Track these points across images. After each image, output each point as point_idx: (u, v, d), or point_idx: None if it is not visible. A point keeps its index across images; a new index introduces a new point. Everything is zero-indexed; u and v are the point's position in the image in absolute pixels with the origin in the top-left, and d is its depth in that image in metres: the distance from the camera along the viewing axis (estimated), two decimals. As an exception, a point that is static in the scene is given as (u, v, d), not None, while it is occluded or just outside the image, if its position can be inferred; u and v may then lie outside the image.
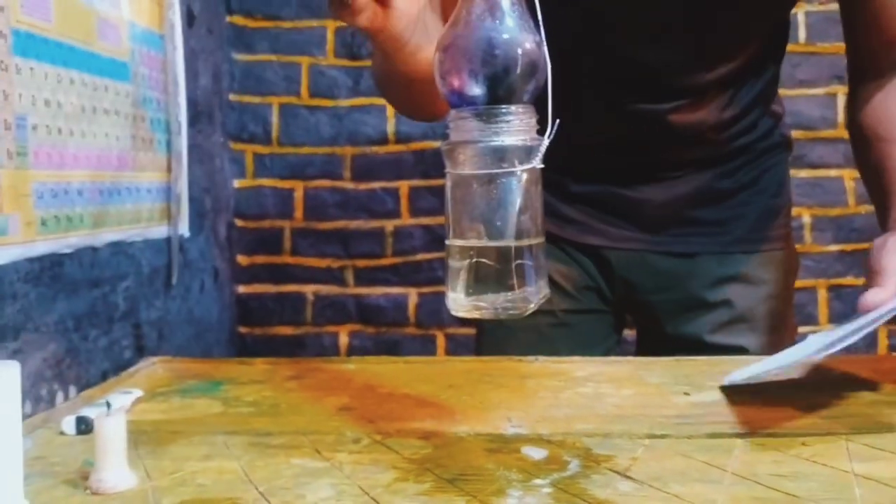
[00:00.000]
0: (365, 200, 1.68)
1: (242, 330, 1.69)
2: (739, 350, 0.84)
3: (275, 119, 1.66)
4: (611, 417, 0.57)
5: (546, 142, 0.47)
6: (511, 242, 0.46)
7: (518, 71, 0.45)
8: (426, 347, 1.71)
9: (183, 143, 1.42)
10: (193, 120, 1.47)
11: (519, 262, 0.46)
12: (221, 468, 0.47)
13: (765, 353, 0.85)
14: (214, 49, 1.59)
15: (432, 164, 1.62)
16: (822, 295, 1.60)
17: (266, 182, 1.66)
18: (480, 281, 0.46)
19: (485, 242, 0.47)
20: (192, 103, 1.45)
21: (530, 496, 0.42)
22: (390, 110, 1.67)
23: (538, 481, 0.44)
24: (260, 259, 1.67)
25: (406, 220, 1.69)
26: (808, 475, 0.45)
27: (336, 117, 1.68)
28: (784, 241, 0.89)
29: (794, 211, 1.66)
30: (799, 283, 1.59)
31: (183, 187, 1.41)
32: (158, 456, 0.50)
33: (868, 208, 1.60)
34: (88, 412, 0.55)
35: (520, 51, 0.45)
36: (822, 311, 1.60)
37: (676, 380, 0.66)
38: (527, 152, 0.46)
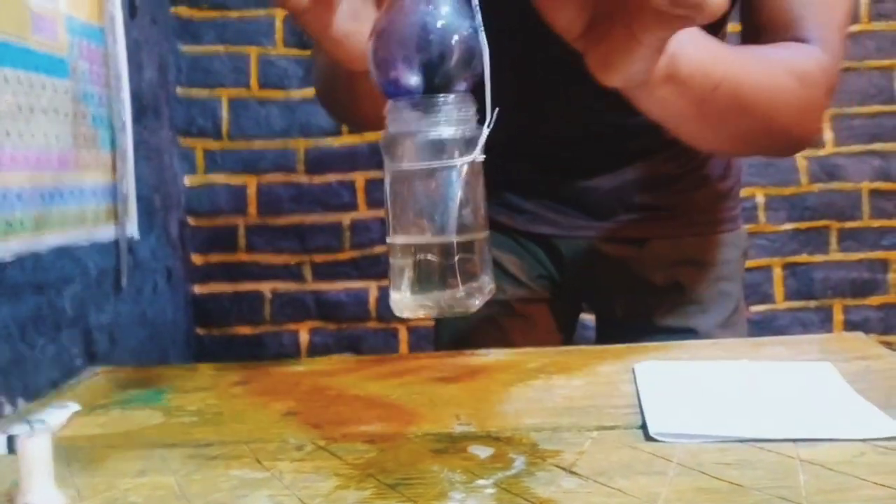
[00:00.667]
0: (320, 194, 1.65)
1: (200, 331, 1.66)
2: (690, 332, 0.85)
3: (224, 112, 1.63)
4: (560, 410, 0.57)
5: (486, 132, 0.46)
6: (454, 238, 0.45)
7: (455, 57, 0.44)
8: (388, 342, 1.70)
9: (128, 140, 1.38)
10: (139, 115, 1.43)
11: (462, 257, 0.45)
12: (156, 483, 0.45)
13: (715, 335, 0.85)
14: (159, 40, 1.55)
15: (387, 155, 1.60)
16: (778, 273, 1.62)
17: (218, 178, 1.63)
18: (423, 279, 0.45)
19: (427, 239, 0.45)
20: (136, 98, 1.42)
21: (472, 498, 0.41)
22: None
23: (481, 482, 0.44)
24: (215, 257, 1.64)
25: (363, 212, 1.67)
26: (754, 462, 0.45)
27: (288, 109, 1.65)
28: (733, 223, 0.90)
29: (748, 191, 1.67)
30: (754, 263, 1.61)
31: (130, 186, 1.38)
32: (91, 473, 0.48)
33: (821, 185, 1.62)
34: (20, 430, 0.53)
35: (456, 37, 0.43)
36: (778, 290, 1.62)
37: (627, 368, 0.66)
38: (467, 144, 0.45)
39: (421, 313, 0.45)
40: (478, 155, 0.46)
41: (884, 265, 1.62)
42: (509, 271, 0.88)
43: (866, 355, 0.67)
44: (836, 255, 1.61)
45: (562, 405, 0.58)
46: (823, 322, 1.63)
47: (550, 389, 0.62)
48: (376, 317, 1.67)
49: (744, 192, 1.55)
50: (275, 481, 0.45)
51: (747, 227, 1.58)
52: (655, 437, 0.49)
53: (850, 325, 1.63)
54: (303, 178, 1.64)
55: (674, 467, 0.45)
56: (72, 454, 0.51)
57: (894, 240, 1.62)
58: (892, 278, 1.62)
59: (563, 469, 0.45)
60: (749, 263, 1.61)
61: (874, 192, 1.61)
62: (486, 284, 0.46)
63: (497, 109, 0.45)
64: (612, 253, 0.86)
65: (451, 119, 0.44)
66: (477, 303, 0.46)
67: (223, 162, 1.63)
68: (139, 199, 1.41)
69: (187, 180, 1.63)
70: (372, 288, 1.66)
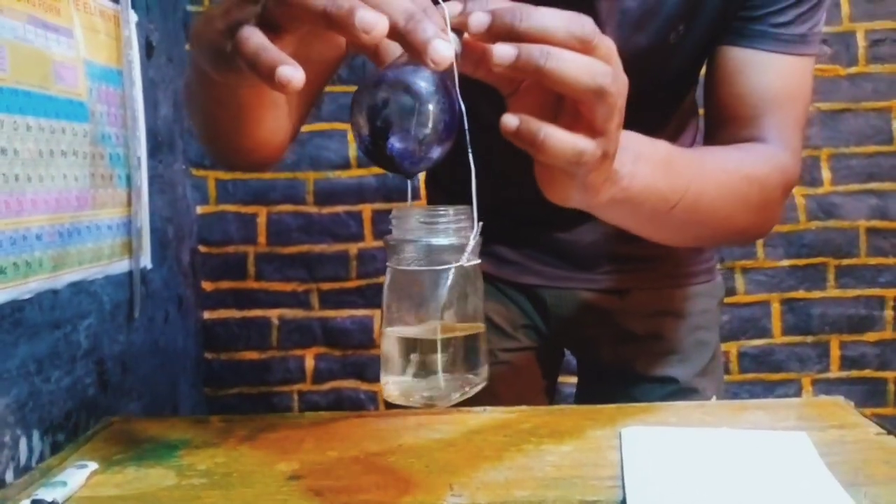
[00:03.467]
0: (328, 224, 1.70)
1: (208, 356, 1.70)
2: (670, 380, 0.89)
3: (236, 145, 1.67)
4: (548, 481, 0.60)
5: (479, 240, 0.50)
6: (444, 335, 0.49)
7: (437, 126, 0.44)
8: (392, 367, 1.74)
9: (143, 176, 1.43)
10: (154, 150, 1.48)
11: (453, 352, 0.49)
12: (169, 557, 0.49)
13: (694, 383, 0.89)
14: (174, 77, 1.60)
15: (394, 188, 1.64)
16: (776, 308, 1.65)
17: (229, 208, 1.68)
18: (414, 371, 0.49)
19: (419, 334, 0.49)
20: (152, 134, 1.46)
21: (459, 583, 0.45)
22: (351, 135, 1.69)
23: (469, 564, 0.47)
24: (224, 284, 1.69)
25: (370, 242, 1.71)
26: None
27: (298, 142, 1.69)
28: (709, 275, 0.94)
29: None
30: (752, 298, 1.65)
31: (144, 220, 1.42)
32: (110, 542, 0.52)
33: (818, 223, 1.65)
34: (43, 494, 0.57)
35: (439, 107, 0.44)
36: (776, 325, 1.65)
37: (615, 431, 0.70)
38: (461, 250, 0.49)
39: (409, 402, 0.49)
40: (474, 258, 0.50)
41: (880, 302, 1.65)
42: (494, 321, 0.91)
43: (842, 424, 0.70)
44: (833, 292, 1.64)
45: (550, 475, 0.61)
46: (821, 357, 1.66)
47: (541, 456, 0.66)
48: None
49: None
50: (278, 558, 0.49)
51: (746, 262, 1.61)
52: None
53: (846, 361, 1.66)
54: (312, 209, 1.68)
55: (647, 552, 0.48)
56: (91, 520, 0.55)
57: (891, 277, 1.65)
58: (889, 315, 1.65)
59: (545, 551, 0.49)
60: (747, 298, 1.64)
61: (871, 231, 1.64)
62: (476, 378, 0.50)
63: (481, 223, 0.49)
64: (594, 303, 0.90)
65: (449, 229, 0.48)
66: (465, 396, 0.50)
67: (235, 192, 1.67)
68: (153, 230, 1.46)
69: (199, 210, 1.68)
70: (377, 316, 1.70)
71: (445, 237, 0.48)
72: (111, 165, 1.32)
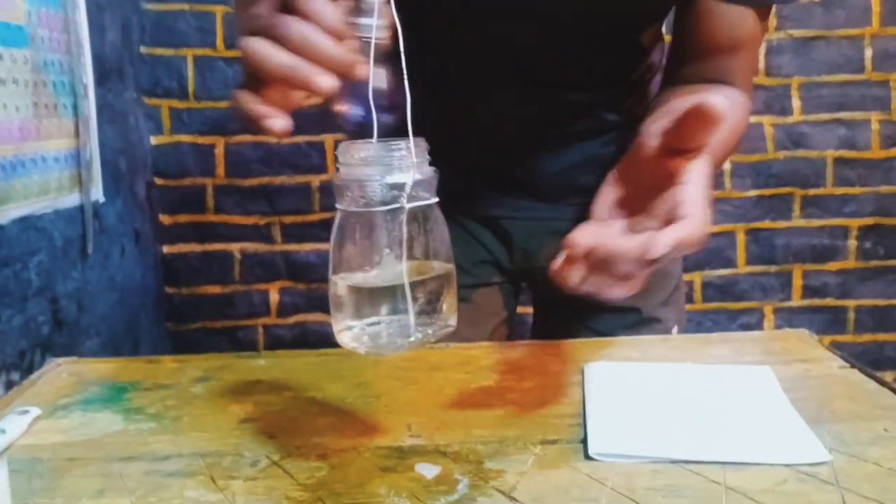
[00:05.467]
0: (289, 155, 1.64)
1: (169, 290, 1.67)
2: (632, 311, 0.89)
3: (190, 72, 1.60)
4: (508, 419, 0.59)
5: (436, 174, 0.47)
6: (408, 278, 0.46)
7: None
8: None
9: (91, 105, 1.36)
10: (102, 78, 1.40)
11: (420, 296, 0.47)
12: (113, 507, 0.47)
13: (656, 313, 0.89)
14: (122, 0, 1.51)
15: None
16: (741, 238, 1.65)
17: (185, 138, 1.62)
18: (375, 317, 0.46)
19: (380, 279, 0.47)
20: (99, 61, 1.39)
21: (414, 530, 0.44)
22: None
23: (425, 509, 0.46)
24: (183, 218, 1.64)
25: (333, 174, 1.66)
26: (681, 488, 0.47)
27: (255, 69, 1.62)
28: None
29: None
30: (718, 228, 1.64)
31: (94, 151, 1.36)
32: (52, 493, 0.49)
33: (787, 153, 1.64)
34: (-19, 441, 0.55)
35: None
36: (741, 255, 1.65)
37: (577, 367, 0.68)
38: (418, 187, 0.46)
39: (362, 349, 0.47)
40: (429, 195, 0.47)
41: (844, 232, 1.66)
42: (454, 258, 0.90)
43: (806, 357, 0.70)
44: (798, 222, 1.64)
45: (511, 413, 0.60)
46: (783, 286, 1.67)
47: (501, 394, 0.64)
48: (346, 278, 1.69)
49: (711, 160, 1.57)
50: (227, 506, 0.47)
51: (714, 193, 1.60)
52: (594, 456, 0.52)
53: (808, 290, 1.67)
54: (271, 140, 1.62)
55: (607, 493, 0.47)
56: (33, 468, 0.52)
57: (856, 207, 1.65)
58: (852, 245, 1.66)
59: (504, 494, 0.48)
60: (714, 229, 1.64)
61: (838, 161, 1.63)
62: (445, 321, 0.48)
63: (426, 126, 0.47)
64: (559, 233, 0.88)
65: (404, 164, 0.45)
66: (434, 338, 0.48)
67: (190, 122, 1.61)
68: (104, 162, 1.40)
69: (153, 140, 1.61)
70: (342, 249, 1.67)
71: (400, 173, 0.45)
72: (55, 94, 1.25)
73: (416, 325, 0.46)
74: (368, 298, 0.46)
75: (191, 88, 1.60)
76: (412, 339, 0.46)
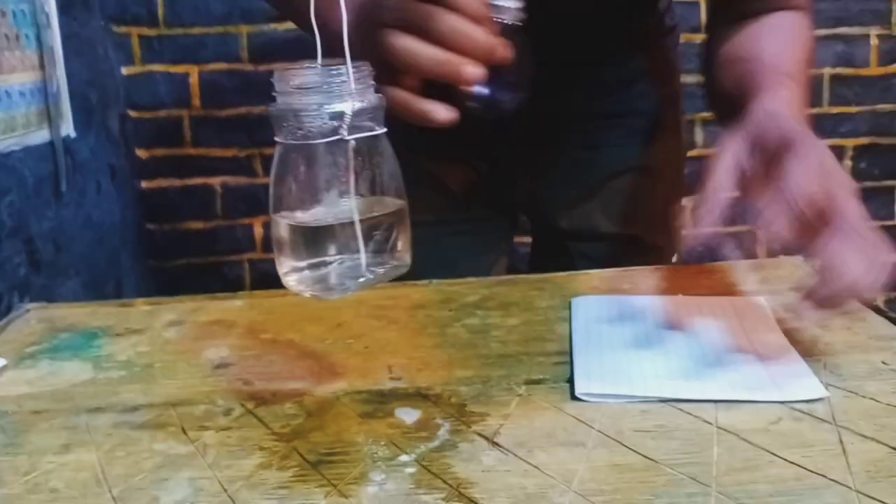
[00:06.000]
0: (266, 85, 1.56)
1: (150, 227, 1.63)
2: (633, 238, 0.87)
3: (159, -3, 1.52)
4: (492, 359, 0.57)
5: (382, 102, 0.44)
6: (346, 218, 0.43)
7: None
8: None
9: (55, 36, 1.29)
10: (66, 6, 1.33)
11: (371, 234, 0.44)
12: (79, 463, 0.45)
13: (657, 241, 0.87)
14: (81, -80, 1.43)
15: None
16: (733, 161, 1.61)
17: (157, 67, 1.55)
18: (323, 258, 0.44)
19: (327, 216, 0.44)
20: (61, -13, 1.32)
21: (392, 480, 0.42)
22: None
23: (404, 458, 0.44)
24: (160, 152, 1.59)
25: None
26: (672, 429, 0.45)
27: (227, -9, 1.54)
28: (677, 130, 0.91)
29: (699, 78, 1.63)
30: (711, 151, 1.60)
31: (61, 84, 1.30)
32: (16, 449, 0.47)
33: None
34: (-59, 396, 0.52)
35: None
36: (733, 178, 1.62)
37: (565, 302, 0.66)
38: (364, 115, 0.42)
39: (308, 292, 0.45)
40: (375, 126, 0.43)
41: (840, 152, 1.62)
42: (451, 189, 0.87)
43: (801, 286, 0.67)
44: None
45: (495, 352, 0.58)
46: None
47: (486, 331, 0.62)
48: (331, 210, 1.65)
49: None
50: (197, 459, 0.45)
51: (705, 115, 1.55)
52: (581, 397, 0.50)
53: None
54: (247, 67, 1.56)
55: (594, 436, 0.45)
56: (-4, 422, 0.50)
57: (851, 127, 1.61)
58: (847, 165, 1.63)
59: (486, 439, 0.46)
60: (705, 152, 1.60)
61: (835, 78, 1.58)
62: (397, 261, 0.45)
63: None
64: (563, 160, 0.86)
65: (343, 91, 0.41)
66: (383, 280, 0.45)
67: (162, 50, 1.54)
68: (73, 96, 1.34)
69: (125, 71, 1.55)
70: (325, 180, 1.64)
71: (340, 101, 0.41)
72: (15, 24, 1.18)
73: (366, 264, 0.43)
74: (314, 238, 0.43)
75: (161, 14, 1.53)
76: (362, 279, 0.43)
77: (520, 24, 0.50)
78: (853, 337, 0.57)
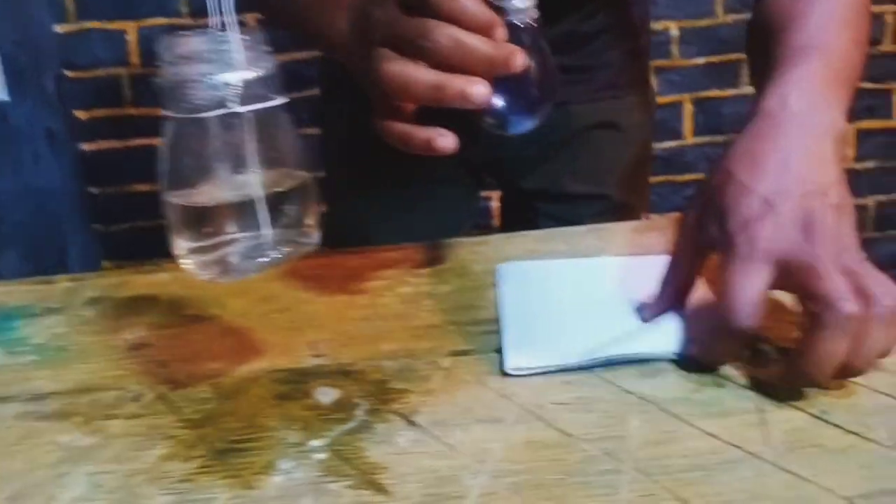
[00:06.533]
0: (208, 40, 1.52)
1: (94, 191, 1.58)
2: (602, 197, 0.85)
3: (89, -51, 1.45)
4: (420, 330, 0.55)
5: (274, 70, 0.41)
6: (245, 195, 0.41)
7: None
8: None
9: (-27, -6, 1.23)
10: (-14, -39, 1.26)
11: (276, 210, 0.42)
12: (-24, 460, 0.43)
13: (626, 199, 0.86)
14: None
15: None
16: (688, 109, 1.60)
17: (92, 25, 1.48)
18: (208, 237, 0.41)
19: (217, 198, 0.41)
20: (-20, -60, 1.25)
21: (300, 468, 0.40)
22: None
23: (315, 443, 0.42)
24: (100, 113, 1.53)
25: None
26: (592, 401, 0.44)
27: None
28: (646, 85, 0.90)
29: (662, 24, 1.60)
30: (665, 99, 1.58)
31: (-15, 46, 1.24)
32: (-89, 445, 0.45)
33: (736, 16, 1.56)
34: None
35: None
36: (688, 125, 1.61)
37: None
38: (267, 84, 0.40)
39: (205, 275, 0.42)
40: (279, 97, 0.41)
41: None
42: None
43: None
44: (746, 89, 1.59)
45: (424, 323, 0.56)
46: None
47: (417, 300, 0.60)
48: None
49: (659, 26, 1.50)
50: (100, 452, 0.43)
51: (661, 62, 1.53)
52: (510, 372, 0.48)
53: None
54: (187, 21, 1.50)
55: (514, 412, 0.44)
56: None
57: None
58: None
59: (404, 418, 0.44)
60: (660, 100, 1.58)
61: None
62: (305, 238, 0.43)
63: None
64: None
65: (235, 60, 0.39)
66: (289, 258, 0.43)
67: (96, 6, 1.47)
68: (3, 57, 1.28)
69: (58, 29, 1.48)
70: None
71: (231, 70, 0.38)
72: (-71, -18, 1.12)
73: (271, 243, 0.41)
74: (210, 218, 0.41)
75: (92, -32, 1.46)
76: (265, 259, 0.41)
77: (533, 23, 0.45)
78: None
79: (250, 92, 0.40)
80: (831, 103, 0.47)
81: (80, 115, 1.53)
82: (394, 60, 0.42)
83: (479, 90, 0.41)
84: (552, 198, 0.86)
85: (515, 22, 0.44)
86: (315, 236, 0.44)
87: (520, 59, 0.41)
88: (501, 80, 0.42)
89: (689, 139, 1.61)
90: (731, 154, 0.47)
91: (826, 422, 0.41)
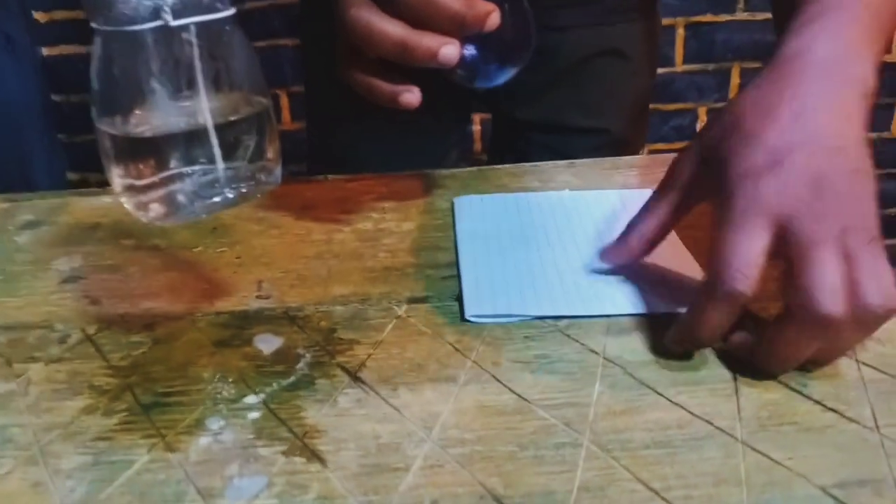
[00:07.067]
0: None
1: (56, 98, 1.50)
2: (601, 131, 0.81)
3: None
4: (377, 272, 0.51)
5: None
6: (192, 123, 0.36)
7: None
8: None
9: None
10: None
11: (228, 140, 0.37)
12: None
13: (626, 133, 0.82)
14: None
15: None
16: (680, 34, 1.53)
17: (49, -84, 1.38)
18: (150, 173, 0.37)
19: (158, 127, 0.36)
20: None
21: (230, 428, 0.37)
22: None
23: (250, 399, 0.39)
24: (60, 15, 1.44)
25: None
26: (554, 360, 0.41)
27: None
28: (653, 11, 0.82)
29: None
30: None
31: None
32: None
33: (736, -66, 1.48)
34: None
35: None
36: (679, 52, 1.54)
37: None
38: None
39: (144, 217, 0.38)
40: (224, 7, 0.35)
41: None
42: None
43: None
44: (741, 15, 1.52)
45: (381, 264, 0.52)
46: (720, 86, 1.58)
47: (376, 239, 0.56)
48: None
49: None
50: (16, 400, 0.39)
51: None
52: (470, 319, 0.45)
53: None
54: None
55: (468, 370, 0.41)
56: None
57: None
58: None
59: (349, 373, 0.41)
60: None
61: None
62: (264, 175, 0.38)
63: None
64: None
65: None
66: (244, 201, 0.39)
67: None
68: (-52, -51, 1.18)
69: (12, -79, 1.37)
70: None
71: None
72: None
73: (224, 179, 0.37)
74: (152, 150, 0.36)
75: None
76: (218, 199, 0.37)
77: None
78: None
79: (191, 1, 0.35)
80: (863, 55, 0.41)
81: (40, 17, 1.44)
82: (363, 7, 0.41)
83: (446, 51, 0.40)
84: (548, 128, 0.81)
85: None
86: (277, 173, 0.39)
87: (493, 19, 0.41)
88: (469, 38, 0.42)
89: (680, 66, 1.55)
90: (741, 100, 0.41)
91: (805, 396, 0.38)
